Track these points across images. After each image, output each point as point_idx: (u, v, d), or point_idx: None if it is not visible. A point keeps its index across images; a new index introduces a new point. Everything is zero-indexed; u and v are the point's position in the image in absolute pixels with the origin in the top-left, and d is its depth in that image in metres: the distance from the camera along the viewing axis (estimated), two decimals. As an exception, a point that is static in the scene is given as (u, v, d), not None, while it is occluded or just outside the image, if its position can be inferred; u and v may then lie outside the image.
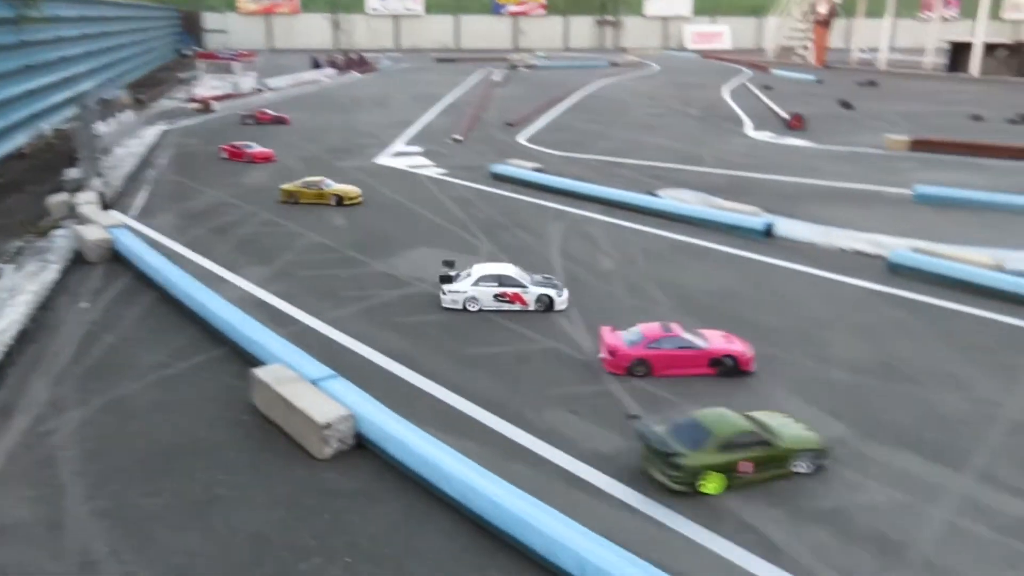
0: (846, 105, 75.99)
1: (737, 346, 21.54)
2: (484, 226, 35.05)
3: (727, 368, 21.08)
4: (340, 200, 38.01)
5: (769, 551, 14.49)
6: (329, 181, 38.92)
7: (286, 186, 38.93)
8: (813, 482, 16.58)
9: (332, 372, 19.71)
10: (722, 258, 31.49)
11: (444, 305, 25.18)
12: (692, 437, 16.33)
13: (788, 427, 17.24)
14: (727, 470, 16.12)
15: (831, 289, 28.26)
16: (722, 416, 16.99)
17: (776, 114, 70.29)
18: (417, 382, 20.83)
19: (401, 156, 51.22)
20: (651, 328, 21.70)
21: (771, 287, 28.47)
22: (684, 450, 16.01)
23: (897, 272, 29.36)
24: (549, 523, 14.10)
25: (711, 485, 16.04)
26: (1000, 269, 28.77)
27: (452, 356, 22.35)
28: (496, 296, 24.97)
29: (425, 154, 51.48)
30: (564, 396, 20.20)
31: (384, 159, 50.39)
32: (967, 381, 21.30)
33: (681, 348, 21.09)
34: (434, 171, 46.72)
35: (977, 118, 68.20)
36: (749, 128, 64.42)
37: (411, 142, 56.20)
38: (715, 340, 21.63)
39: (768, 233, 33.89)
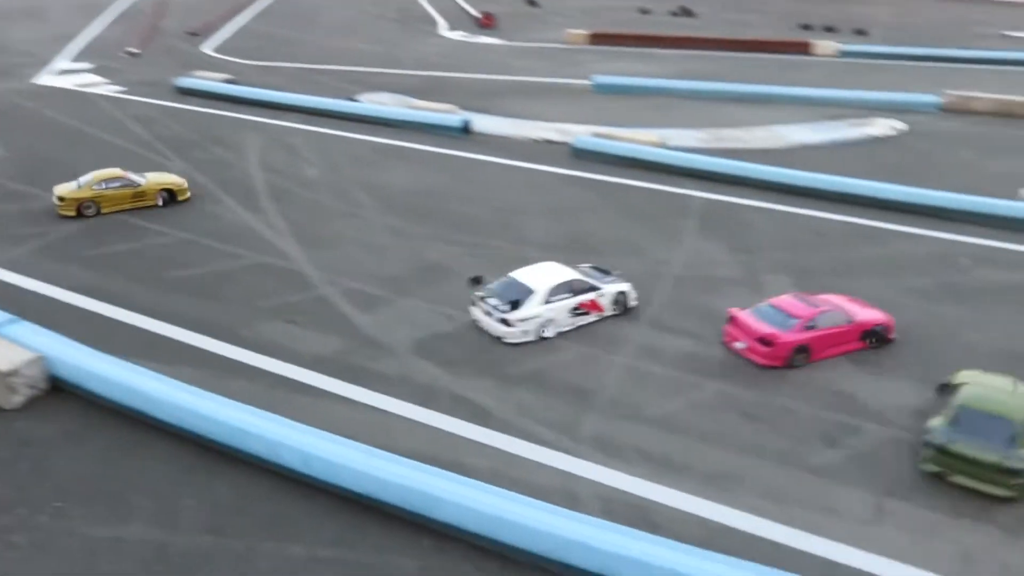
0: (532, 3, 79.23)
1: (877, 313, 18.71)
2: (173, 145, 32.68)
3: (879, 339, 18.34)
4: (172, 196, 26.26)
5: (480, 416, 15.92)
6: (132, 174, 26.37)
7: (65, 191, 25.30)
8: (515, 352, 18.26)
9: (11, 316, 17.86)
10: (424, 157, 32.31)
11: (511, 341, 18.29)
12: (998, 433, 13.82)
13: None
14: None
15: (525, 177, 30.29)
16: (1003, 397, 14.64)
17: (468, 14, 71.63)
18: (115, 315, 19.53)
19: (67, 74, 45.56)
20: (793, 304, 18.05)
21: (471, 180, 29.89)
22: (1017, 452, 13.62)
23: (580, 156, 32.11)
24: (271, 428, 14.30)
25: None
26: (664, 146, 32.57)
27: (151, 283, 21.12)
28: (573, 310, 18.93)
29: (97, 71, 46.20)
30: (278, 307, 20.08)
31: (46, 79, 44.54)
32: (641, 246, 24.27)
33: (837, 325, 17.82)
34: (109, 89, 42.24)
35: (645, 12, 74.51)
36: (444, 29, 65.18)
37: (78, 58, 50.03)
38: (856, 310, 18.52)
39: (465, 130, 35.18)
